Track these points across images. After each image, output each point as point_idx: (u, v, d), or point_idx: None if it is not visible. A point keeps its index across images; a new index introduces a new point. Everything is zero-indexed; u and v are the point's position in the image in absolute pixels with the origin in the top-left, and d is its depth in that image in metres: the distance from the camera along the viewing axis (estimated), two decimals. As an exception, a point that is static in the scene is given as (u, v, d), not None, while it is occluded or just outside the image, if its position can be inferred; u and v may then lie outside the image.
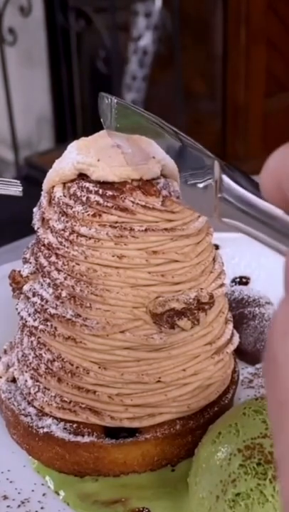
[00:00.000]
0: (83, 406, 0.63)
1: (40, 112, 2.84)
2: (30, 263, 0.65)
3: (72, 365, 0.62)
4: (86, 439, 0.63)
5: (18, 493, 0.63)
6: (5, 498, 0.62)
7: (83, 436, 0.63)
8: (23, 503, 0.62)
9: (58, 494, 0.63)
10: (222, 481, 0.56)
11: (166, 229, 0.61)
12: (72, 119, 2.78)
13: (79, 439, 0.63)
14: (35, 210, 0.65)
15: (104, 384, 0.62)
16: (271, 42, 2.46)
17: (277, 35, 2.47)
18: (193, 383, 0.64)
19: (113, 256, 0.59)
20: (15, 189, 0.69)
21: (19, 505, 0.61)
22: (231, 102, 2.49)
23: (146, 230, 0.60)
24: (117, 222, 0.60)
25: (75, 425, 0.64)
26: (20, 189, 0.65)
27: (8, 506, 0.61)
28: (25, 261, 0.65)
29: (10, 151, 2.71)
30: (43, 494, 0.62)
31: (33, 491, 0.63)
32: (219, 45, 2.46)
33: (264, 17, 2.41)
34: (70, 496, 0.62)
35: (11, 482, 0.64)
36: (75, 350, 0.62)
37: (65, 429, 0.64)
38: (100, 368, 0.61)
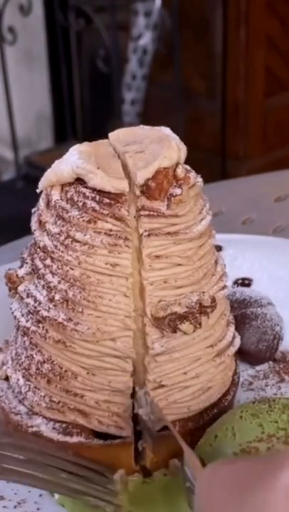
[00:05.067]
0: (72, 407, 0.62)
1: (39, 110, 2.84)
2: (27, 263, 0.64)
3: (61, 368, 0.62)
4: (74, 439, 0.62)
5: (15, 493, 0.62)
6: (1, 498, 0.62)
7: (72, 436, 0.63)
8: (19, 503, 0.61)
9: (54, 496, 0.62)
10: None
11: (169, 233, 0.60)
12: (72, 118, 2.78)
13: (67, 439, 0.62)
14: (33, 211, 0.65)
15: (91, 389, 0.61)
16: (271, 41, 2.45)
17: (277, 34, 2.47)
18: (194, 386, 0.63)
19: (106, 264, 0.59)
20: None
21: (15, 506, 0.61)
22: (231, 101, 2.49)
23: (149, 235, 0.60)
24: (112, 230, 0.59)
25: (64, 425, 0.63)
26: None
27: (4, 507, 0.61)
28: (23, 261, 0.65)
29: (9, 150, 2.71)
30: (40, 495, 0.62)
31: (29, 491, 0.62)
32: (219, 44, 2.46)
33: (264, 16, 2.41)
34: (65, 498, 0.62)
35: (7, 483, 0.63)
36: (65, 354, 0.61)
37: (54, 428, 0.63)
38: (88, 373, 0.61)
